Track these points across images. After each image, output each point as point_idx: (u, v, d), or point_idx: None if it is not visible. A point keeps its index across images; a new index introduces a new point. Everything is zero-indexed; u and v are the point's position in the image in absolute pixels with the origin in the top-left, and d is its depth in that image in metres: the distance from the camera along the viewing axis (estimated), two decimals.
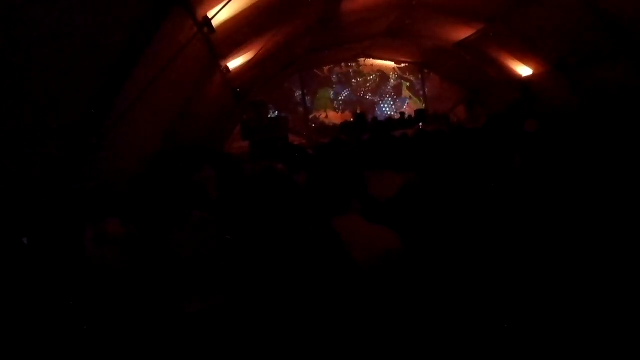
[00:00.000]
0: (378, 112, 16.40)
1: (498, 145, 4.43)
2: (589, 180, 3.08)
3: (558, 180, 3.33)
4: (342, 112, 16.32)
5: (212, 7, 5.65)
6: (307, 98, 16.13)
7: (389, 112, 16.44)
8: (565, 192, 3.03)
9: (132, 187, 3.09)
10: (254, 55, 8.76)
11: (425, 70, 16.58)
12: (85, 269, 2.61)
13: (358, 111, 15.63)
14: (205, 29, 5.90)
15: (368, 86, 16.59)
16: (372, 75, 16.57)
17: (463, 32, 11.44)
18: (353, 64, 16.34)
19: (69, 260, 2.66)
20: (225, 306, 2.21)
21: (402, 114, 15.70)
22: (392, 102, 16.68)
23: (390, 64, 16.51)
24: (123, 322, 2.41)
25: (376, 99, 16.61)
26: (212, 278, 2.25)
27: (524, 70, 11.92)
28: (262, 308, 1.94)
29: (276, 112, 15.27)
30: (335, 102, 16.42)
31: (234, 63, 8.41)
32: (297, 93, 16.05)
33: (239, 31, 6.92)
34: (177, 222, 2.34)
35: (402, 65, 16.59)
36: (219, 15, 5.80)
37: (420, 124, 13.91)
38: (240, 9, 6.21)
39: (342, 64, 16.25)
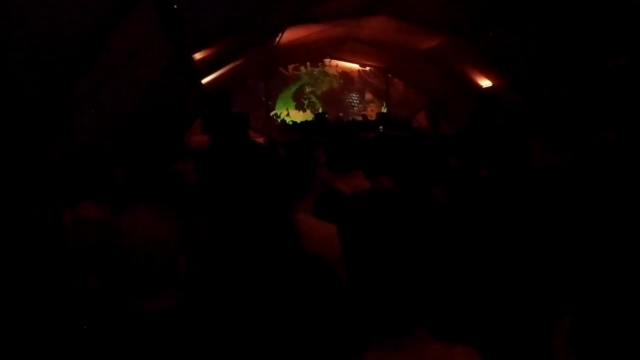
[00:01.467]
0: (340, 113, 16.47)
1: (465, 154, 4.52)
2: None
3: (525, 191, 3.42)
4: (304, 111, 16.31)
5: None
6: (270, 96, 16.03)
7: (351, 114, 16.53)
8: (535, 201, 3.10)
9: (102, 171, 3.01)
10: (221, 50, 8.65)
11: (390, 76, 16.76)
12: (65, 252, 2.50)
13: (320, 111, 15.66)
14: (172, 21, 5.77)
15: (331, 87, 16.63)
16: (336, 76, 16.63)
17: (428, 42, 11.62)
18: (318, 64, 16.36)
19: (46, 243, 2.53)
20: (187, 307, 2.12)
21: (364, 116, 15.83)
22: (354, 105, 16.78)
23: (355, 66, 16.61)
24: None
25: (339, 100, 16.68)
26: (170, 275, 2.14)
27: (484, 82, 12.22)
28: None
29: (238, 108, 15.11)
30: (297, 101, 16.40)
31: (200, 55, 8.26)
32: (260, 90, 15.92)
33: (208, 23, 6.81)
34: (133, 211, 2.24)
35: (367, 69, 16.71)
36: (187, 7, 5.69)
37: (381, 127, 14.04)
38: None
39: (308, 63, 16.23)
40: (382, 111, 16.25)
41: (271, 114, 16.01)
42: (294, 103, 16.37)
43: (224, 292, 2.09)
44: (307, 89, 16.45)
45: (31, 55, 3.27)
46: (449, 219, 2.81)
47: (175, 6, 5.60)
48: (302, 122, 15.14)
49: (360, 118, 15.91)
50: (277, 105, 16.17)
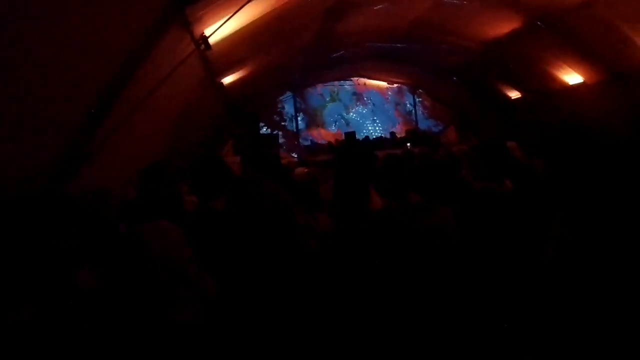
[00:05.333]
0: (371, 131, 16.57)
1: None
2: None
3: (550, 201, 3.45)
4: (334, 130, 16.47)
5: (210, 25, 5.78)
6: (300, 116, 16.27)
7: (380, 132, 16.62)
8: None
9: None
10: (249, 73, 8.90)
11: (418, 92, 16.83)
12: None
13: (349, 130, 15.79)
14: (202, 47, 6.02)
15: (361, 105, 16.79)
16: (365, 94, 16.78)
17: (455, 57, 11.67)
18: (347, 83, 16.56)
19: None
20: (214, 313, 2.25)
21: (392, 134, 15.90)
22: (384, 122, 16.86)
23: (383, 84, 16.74)
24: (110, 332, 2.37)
25: (368, 118, 16.80)
26: (187, 288, 2.26)
27: (513, 94, 12.18)
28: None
29: (268, 129, 15.41)
30: (327, 120, 16.59)
31: (230, 79, 8.53)
32: (290, 111, 16.18)
33: (236, 49, 7.05)
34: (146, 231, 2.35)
35: (395, 86, 16.83)
36: (217, 33, 5.93)
37: (409, 144, 14.07)
38: (237, 28, 6.34)
39: (336, 83, 16.45)
40: (410, 128, 16.30)
41: (302, 134, 16.22)
42: (324, 122, 16.56)
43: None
44: (336, 108, 16.64)
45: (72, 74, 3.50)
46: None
47: (207, 34, 5.86)
48: (332, 142, 15.30)
49: (388, 135, 15.99)
50: (307, 125, 16.39)
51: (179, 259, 2.32)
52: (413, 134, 15.40)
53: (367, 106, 16.81)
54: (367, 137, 15.83)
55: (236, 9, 5.43)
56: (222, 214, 2.64)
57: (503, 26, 8.99)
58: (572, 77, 9.66)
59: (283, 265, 2.36)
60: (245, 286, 2.18)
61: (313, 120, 16.46)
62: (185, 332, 2.08)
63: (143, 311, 2.12)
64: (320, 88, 16.39)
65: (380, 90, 16.84)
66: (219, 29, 5.82)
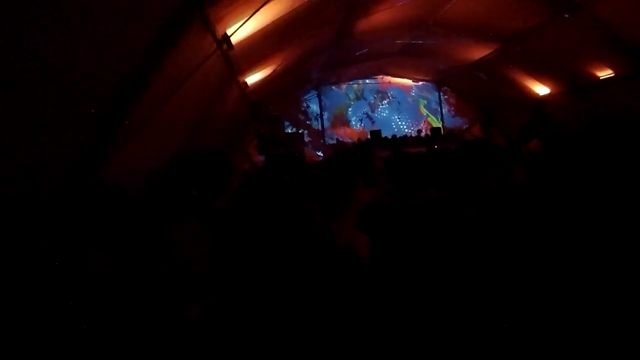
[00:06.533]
0: (395, 129, 16.46)
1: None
2: (589, 196, 3.13)
3: (558, 196, 3.38)
4: (359, 128, 16.42)
5: (232, 24, 5.82)
6: (325, 114, 16.25)
7: (405, 130, 16.50)
8: (564, 207, 3.07)
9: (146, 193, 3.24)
10: (272, 72, 8.93)
11: (443, 89, 16.65)
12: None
13: (374, 128, 15.72)
14: (225, 46, 6.07)
15: (385, 103, 16.70)
16: (389, 92, 16.68)
17: (479, 52, 11.53)
18: (371, 80, 16.49)
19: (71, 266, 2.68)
20: (221, 311, 2.25)
21: (419, 131, 15.79)
22: (408, 120, 16.73)
23: (408, 81, 16.62)
24: (121, 328, 2.39)
25: (393, 116, 16.70)
26: (207, 283, 2.28)
27: (541, 89, 11.95)
28: (262, 310, 2.01)
29: (293, 127, 15.45)
30: (352, 118, 16.55)
31: (253, 78, 8.59)
32: (315, 109, 16.19)
33: (258, 48, 7.09)
34: (172, 227, 2.37)
35: (420, 83, 16.68)
36: (238, 33, 5.97)
37: (436, 141, 13.97)
38: (259, 27, 6.38)
39: (360, 81, 16.40)
40: (436, 125, 16.15)
41: (327, 132, 16.20)
42: (349, 120, 16.52)
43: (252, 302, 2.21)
44: (361, 106, 16.58)
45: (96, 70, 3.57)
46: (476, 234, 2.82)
47: (228, 33, 5.92)
48: (357, 140, 15.28)
49: (414, 133, 15.89)
50: (332, 123, 16.36)
51: (195, 259, 2.33)
52: (438, 131, 15.28)
53: (392, 104, 16.70)
54: (394, 135, 15.73)
55: (257, 7, 5.46)
56: (229, 212, 2.66)
57: (528, 18, 8.83)
58: (601, 70, 9.43)
59: (297, 266, 2.35)
60: (254, 286, 2.18)
61: (338, 119, 16.43)
62: (193, 330, 2.09)
63: (155, 306, 2.15)
64: (344, 86, 16.36)
65: (404, 87, 16.72)
66: (240, 28, 5.87)
